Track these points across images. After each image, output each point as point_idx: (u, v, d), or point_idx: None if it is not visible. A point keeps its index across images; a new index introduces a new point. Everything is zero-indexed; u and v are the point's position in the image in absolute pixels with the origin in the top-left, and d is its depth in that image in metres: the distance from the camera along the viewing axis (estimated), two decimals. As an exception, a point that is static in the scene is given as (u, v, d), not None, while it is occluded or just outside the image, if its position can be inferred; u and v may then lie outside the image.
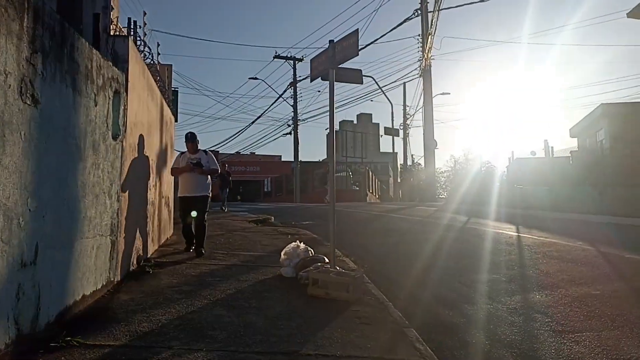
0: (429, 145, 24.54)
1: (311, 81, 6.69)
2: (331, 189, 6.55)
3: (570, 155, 26.73)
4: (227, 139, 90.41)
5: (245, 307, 4.89)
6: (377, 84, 29.19)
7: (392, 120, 32.78)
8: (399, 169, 45.53)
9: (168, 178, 9.18)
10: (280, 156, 65.96)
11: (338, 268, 6.15)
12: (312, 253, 6.98)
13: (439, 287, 6.09)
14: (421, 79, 25.67)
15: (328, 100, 6.34)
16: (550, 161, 24.83)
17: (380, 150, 68.59)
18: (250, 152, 65.75)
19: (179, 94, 18.73)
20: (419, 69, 25.68)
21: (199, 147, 7.92)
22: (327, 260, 6.56)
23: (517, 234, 10.40)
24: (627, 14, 29.17)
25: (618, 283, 5.98)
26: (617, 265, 6.90)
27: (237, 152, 57.47)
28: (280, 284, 6.05)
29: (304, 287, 5.69)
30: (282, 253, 6.87)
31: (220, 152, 57.94)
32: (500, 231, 10.80)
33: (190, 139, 7.76)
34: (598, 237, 10.03)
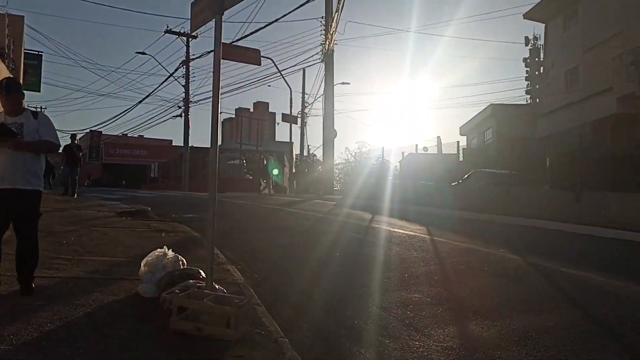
0: (329, 134, 23.36)
1: (191, 32, 4.83)
2: (211, 177, 4.86)
3: (461, 152, 26.82)
4: (111, 119, 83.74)
5: (59, 362, 3.11)
6: (277, 67, 27.49)
7: (291, 106, 31.28)
8: (295, 159, 44.31)
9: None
10: (171, 140, 62.37)
11: (217, 287, 4.49)
12: (183, 264, 5.25)
13: (349, 311, 4.63)
14: (323, 64, 24.41)
15: (213, 59, 4.46)
16: (442, 157, 24.61)
17: (276, 140, 67.07)
18: (139, 135, 61.62)
19: (42, 60, 15.98)
20: (321, 53, 24.38)
21: (25, 106, 4.73)
22: (203, 274, 4.87)
23: (428, 236, 9.28)
24: (523, 15, 29.87)
25: (572, 311, 4.84)
26: (558, 283, 5.84)
27: (123, 134, 53.32)
28: (134, 310, 4.30)
29: (167, 315, 3.97)
30: (142, 263, 5.08)
31: (103, 132, 53.59)
32: (410, 233, 9.64)
33: (5, 88, 4.42)
34: (515, 242, 9.17)
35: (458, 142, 23.68)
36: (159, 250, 5.24)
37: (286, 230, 10.04)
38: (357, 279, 5.96)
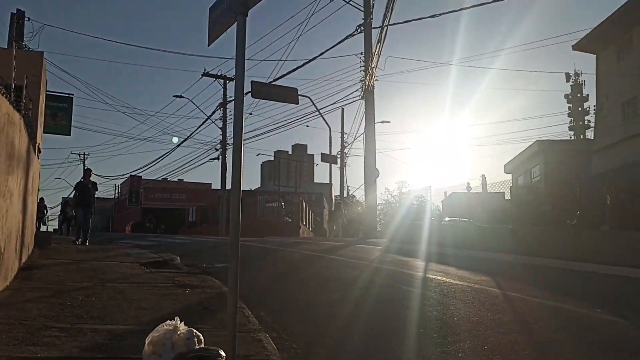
0: (371, 174, 22.12)
1: (209, 43, 3.72)
2: (233, 220, 3.71)
3: (509, 191, 25.10)
4: (150, 163, 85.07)
5: None
6: (315, 105, 26.77)
7: (330, 146, 30.32)
8: (334, 201, 43.15)
9: None
10: (210, 184, 62.23)
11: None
12: (200, 340, 4.01)
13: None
14: (363, 101, 23.39)
15: (235, 69, 3.16)
16: (487, 197, 22.96)
17: (315, 181, 66.27)
18: (178, 179, 61.81)
19: (73, 103, 15.45)
20: (360, 90, 23.42)
21: None
22: (223, 355, 3.65)
23: (499, 290, 7.83)
24: (572, 46, 28.40)
25: None
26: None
27: (163, 179, 53.39)
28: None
29: None
30: (147, 341, 3.89)
31: (143, 177, 53.82)
32: (475, 285, 8.21)
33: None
34: (607, 296, 7.61)
35: (504, 181, 22.07)
36: (168, 322, 4.03)
37: (331, 283, 8.73)
38: (427, 350, 4.61)
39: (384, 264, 11.04)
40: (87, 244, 13.29)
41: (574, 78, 74.00)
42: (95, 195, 13.93)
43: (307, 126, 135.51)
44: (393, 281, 8.62)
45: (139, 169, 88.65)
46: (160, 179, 52.34)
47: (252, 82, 22.25)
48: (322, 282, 8.81)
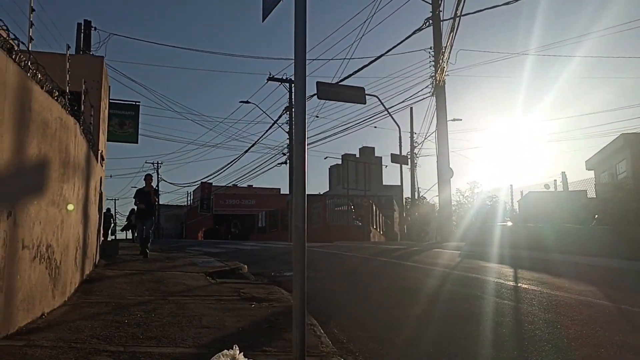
0: (445, 174, 20.96)
1: (263, 19, 2.95)
2: (295, 223, 2.99)
3: (592, 189, 23.02)
4: (220, 169, 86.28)
5: None
6: (383, 104, 25.82)
7: (400, 146, 29.21)
8: (404, 203, 41.89)
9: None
10: (279, 189, 62.45)
11: None
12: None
13: None
14: (433, 98, 22.27)
15: (294, 52, 2.29)
16: (568, 195, 21.05)
17: (384, 184, 65.05)
18: (248, 185, 62.55)
19: (140, 110, 15.40)
20: (430, 86, 22.32)
21: None
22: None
23: (610, 303, 6.71)
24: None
25: None
26: None
27: (233, 185, 54.03)
28: None
29: None
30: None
31: (213, 183, 54.70)
32: (579, 297, 7.12)
33: None
34: None
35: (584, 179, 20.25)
36: (225, 353, 3.38)
37: (411, 294, 7.86)
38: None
39: (466, 272, 10.03)
40: (148, 254, 12.11)
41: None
42: (157, 202, 13.49)
43: (375, 127, 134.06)
44: (481, 292, 7.64)
45: (209, 176, 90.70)
46: (230, 185, 53.04)
47: (317, 82, 21.70)
48: (401, 293, 7.95)
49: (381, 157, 66.62)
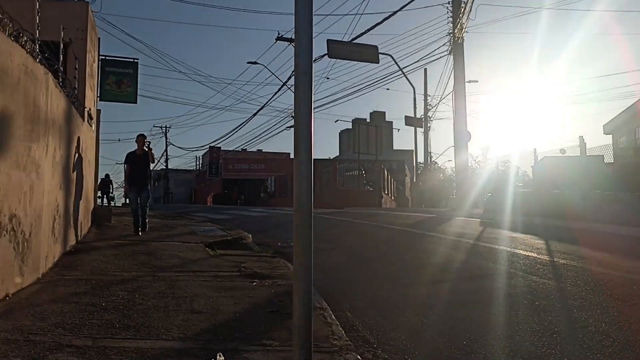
0: (462, 138, 19.86)
1: None
2: (301, 195, 2.02)
3: (609, 154, 21.77)
4: (228, 133, 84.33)
5: None
6: (397, 64, 24.58)
7: (415, 107, 27.94)
8: (415, 168, 40.83)
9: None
10: (289, 153, 61.50)
11: None
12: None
13: None
14: (450, 57, 21.00)
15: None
16: (586, 160, 19.81)
17: (394, 148, 64.06)
18: (257, 149, 61.65)
19: (138, 68, 14.40)
20: (448, 44, 21.01)
21: None
22: None
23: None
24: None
25: None
26: None
27: (242, 149, 53.11)
28: None
29: None
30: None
31: (222, 148, 53.80)
32: (632, 276, 6.20)
33: None
34: None
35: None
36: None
37: (434, 269, 6.98)
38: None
39: (492, 243, 9.11)
40: (147, 229, 9.99)
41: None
42: (153, 162, 10.11)
43: (388, 89, 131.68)
44: (514, 268, 6.73)
45: (218, 140, 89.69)
46: (239, 149, 52.14)
47: (328, 40, 20.45)
48: (425, 268, 7.06)
49: (392, 122, 65.31)
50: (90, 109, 9.43)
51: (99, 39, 11.12)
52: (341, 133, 60.18)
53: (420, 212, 19.47)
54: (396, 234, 10.90)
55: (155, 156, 9.39)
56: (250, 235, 10.44)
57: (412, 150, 56.70)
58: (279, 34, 30.32)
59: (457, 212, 18.63)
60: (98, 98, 13.26)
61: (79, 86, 8.43)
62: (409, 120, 26.65)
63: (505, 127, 67.92)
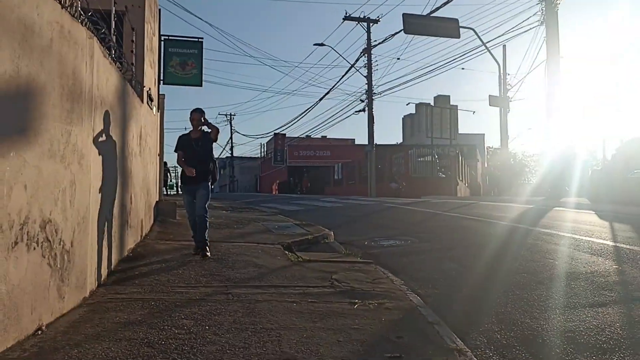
0: (555, 119, 17.71)
1: None
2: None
3: None
4: (294, 119, 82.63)
5: None
6: (479, 37, 22.52)
7: (500, 85, 25.56)
8: (485, 153, 38.25)
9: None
10: (354, 139, 60.00)
11: None
12: None
13: None
14: (542, 28, 18.75)
15: None
16: None
17: (459, 132, 61.28)
18: (322, 136, 60.53)
19: (203, 48, 13.30)
20: (540, 13, 18.76)
21: None
22: None
23: None
24: None
25: None
26: None
27: (307, 136, 52.05)
28: None
29: None
30: None
31: (287, 135, 52.88)
32: None
33: None
34: None
35: None
36: None
37: (583, 284, 5.35)
38: None
39: (631, 244, 7.32)
40: (208, 252, 6.47)
41: None
42: (213, 151, 6.92)
43: (463, 69, 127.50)
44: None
45: (282, 127, 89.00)
46: (304, 136, 51.04)
47: (404, 14, 18.73)
48: (577, 282, 5.41)
49: (456, 105, 62.15)
50: (150, 89, 8.30)
51: (159, 10, 10.05)
52: (404, 118, 57.83)
53: (509, 201, 17.49)
54: (505, 232, 9.21)
55: (218, 131, 6.47)
56: (332, 233, 9.08)
57: (483, 134, 53.69)
58: (346, 14, 28.74)
59: (551, 201, 16.59)
60: (162, 81, 12.27)
61: (136, 62, 7.29)
62: (493, 101, 24.36)
63: (593, 108, 63.07)
